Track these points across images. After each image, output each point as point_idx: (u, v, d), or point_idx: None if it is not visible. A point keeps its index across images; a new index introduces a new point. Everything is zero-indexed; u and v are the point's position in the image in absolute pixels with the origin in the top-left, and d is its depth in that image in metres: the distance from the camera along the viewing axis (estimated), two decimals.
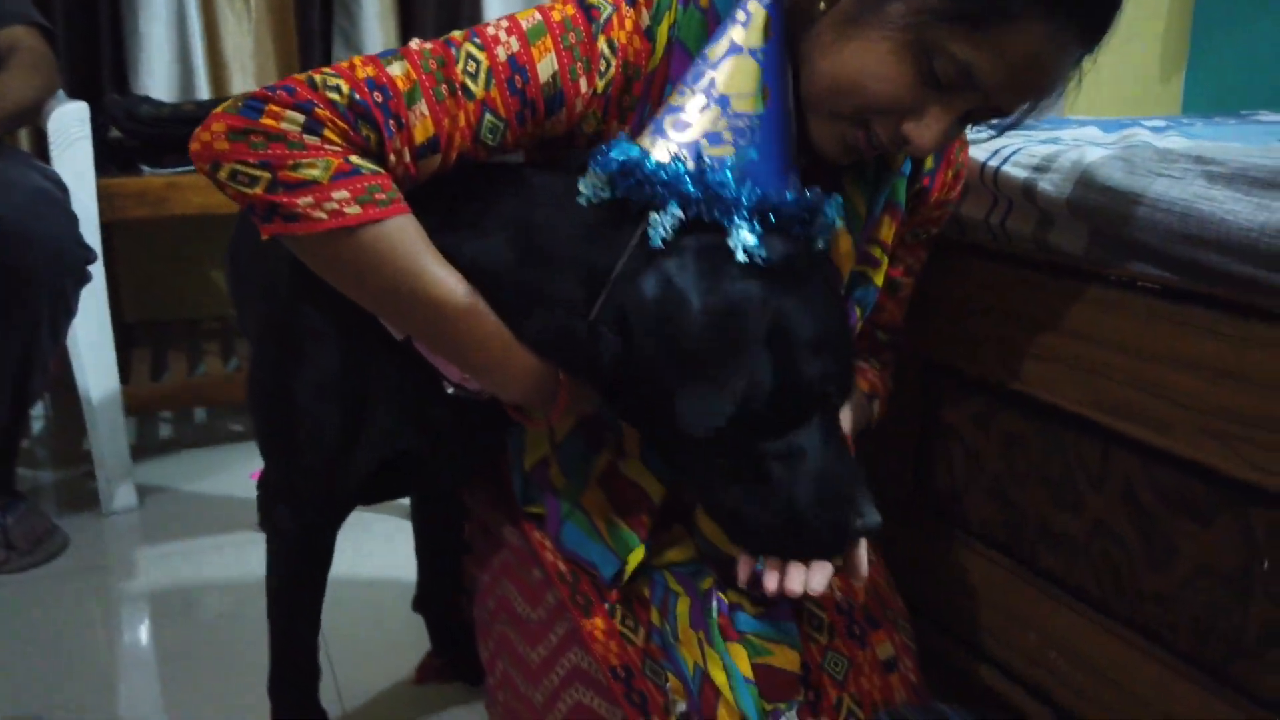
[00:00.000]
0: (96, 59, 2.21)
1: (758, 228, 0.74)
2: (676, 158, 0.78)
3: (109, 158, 1.97)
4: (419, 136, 0.77)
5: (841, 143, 0.83)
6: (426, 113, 0.77)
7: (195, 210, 1.88)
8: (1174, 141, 1.06)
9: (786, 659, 0.96)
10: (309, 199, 0.72)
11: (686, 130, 0.79)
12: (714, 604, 0.97)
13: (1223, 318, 0.80)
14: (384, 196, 0.75)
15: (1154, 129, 1.29)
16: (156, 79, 2.21)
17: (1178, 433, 0.84)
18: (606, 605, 0.95)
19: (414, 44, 0.80)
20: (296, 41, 2.36)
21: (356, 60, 0.77)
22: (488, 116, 0.79)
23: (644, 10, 0.84)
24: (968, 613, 1.10)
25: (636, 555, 0.94)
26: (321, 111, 0.73)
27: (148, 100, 2.02)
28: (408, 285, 0.77)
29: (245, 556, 1.65)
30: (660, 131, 0.80)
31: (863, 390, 1.02)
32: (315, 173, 0.72)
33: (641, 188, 0.76)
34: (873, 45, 0.77)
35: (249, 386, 0.99)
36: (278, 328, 0.92)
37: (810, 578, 0.82)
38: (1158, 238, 0.85)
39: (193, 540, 1.73)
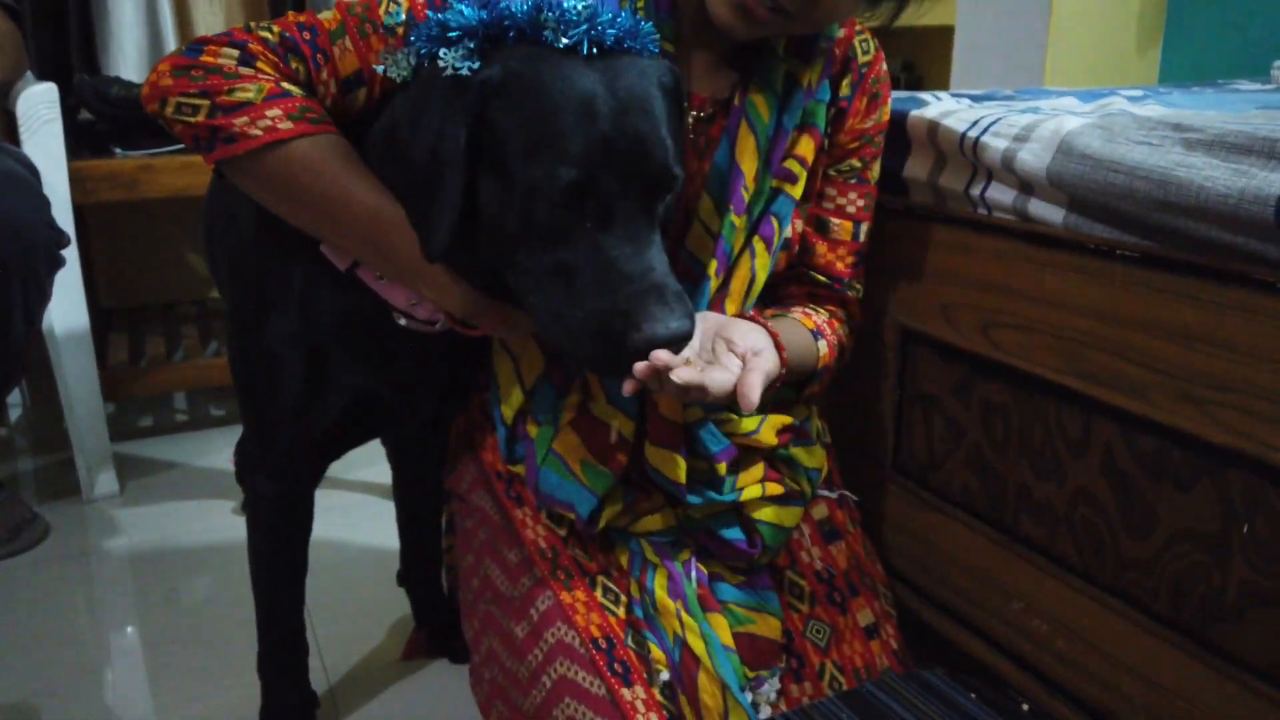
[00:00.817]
0: (65, 39, 2.17)
1: (470, 44, 0.76)
2: (427, 9, 0.84)
3: (80, 140, 1.95)
4: (344, 69, 0.84)
5: (732, 6, 0.86)
6: (350, 48, 0.84)
7: (169, 193, 1.86)
8: (1152, 110, 1.06)
9: (768, 627, 0.97)
10: (245, 119, 0.78)
11: None
12: (693, 574, 0.97)
13: (1201, 284, 0.80)
14: (316, 116, 0.81)
15: (1131, 98, 1.29)
16: (127, 59, 2.18)
17: (1157, 399, 0.85)
18: (587, 578, 0.95)
19: (343, 0, 0.87)
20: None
21: (291, 13, 0.87)
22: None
23: None
24: (950, 581, 1.11)
25: (612, 509, 0.94)
26: (255, 47, 0.81)
27: (118, 81, 1.99)
28: (339, 193, 0.81)
29: (228, 541, 1.64)
30: None
31: (804, 325, 1.00)
32: (249, 95, 0.79)
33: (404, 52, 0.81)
34: None
35: (228, 347, 1.02)
36: (245, 282, 0.98)
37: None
38: (1136, 205, 0.85)
39: (175, 526, 1.72)
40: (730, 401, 0.81)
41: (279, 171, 0.81)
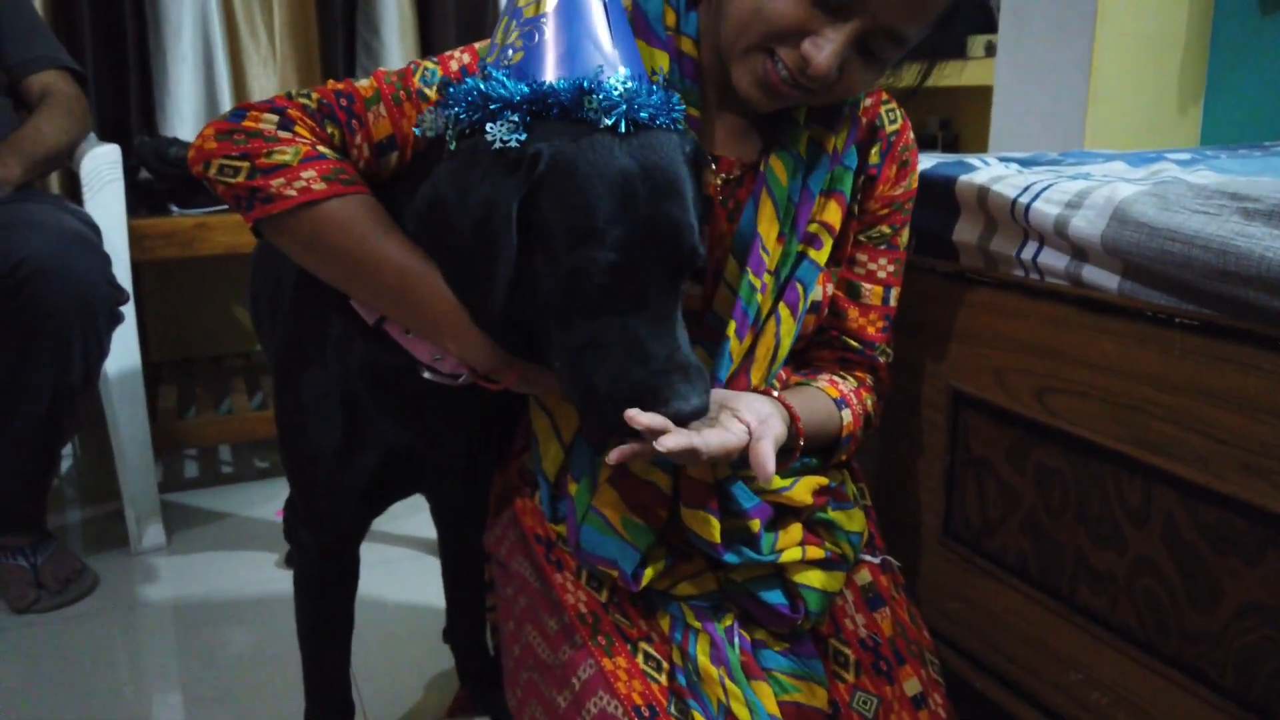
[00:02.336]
0: (125, 101, 2.25)
1: (514, 117, 0.78)
2: (462, 78, 0.87)
3: (139, 199, 2.01)
4: (377, 134, 0.89)
5: (756, 80, 0.88)
6: (384, 114, 0.89)
7: (222, 250, 1.91)
8: (1205, 176, 1.06)
9: (814, 696, 0.95)
10: (281, 179, 0.82)
11: (493, 52, 0.85)
12: (736, 640, 0.96)
13: (1263, 354, 0.80)
14: (348, 178, 0.85)
15: (1181, 163, 1.29)
16: (184, 121, 2.25)
17: (1219, 469, 0.84)
18: (629, 644, 0.95)
19: (382, 70, 0.91)
20: (321, 84, 2.39)
21: (330, 82, 0.91)
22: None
23: None
24: (1004, 649, 1.09)
25: (655, 567, 0.94)
26: (293, 112, 0.85)
27: (176, 142, 2.06)
28: (367, 250, 0.84)
29: (272, 594, 1.65)
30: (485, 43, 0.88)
31: (828, 394, 1.00)
32: (286, 157, 0.83)
33: (441, 114, 0.83)
34: None
35: (275, 403, 1.05)
36: (286, 337, 1.01)
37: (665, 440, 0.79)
38: (1194, 274, 0.85)
39: (220, 579, 1.73)
40: (741, 461, 0.83)
41: (311, 229, 0.85)
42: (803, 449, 0.95)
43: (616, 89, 0.78)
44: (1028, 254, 1.03)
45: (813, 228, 0.98)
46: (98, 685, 1.43)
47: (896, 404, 1.14)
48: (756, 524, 0.94)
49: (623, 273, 0.76)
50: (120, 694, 1.42)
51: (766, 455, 0.82)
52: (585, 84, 0.78)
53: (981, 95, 2.43)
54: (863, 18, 0.83)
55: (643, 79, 0.82)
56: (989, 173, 1.11)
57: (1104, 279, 0.95)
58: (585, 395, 0.78)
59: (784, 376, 1.04)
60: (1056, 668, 1.02)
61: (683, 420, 0.75)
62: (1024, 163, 1.24)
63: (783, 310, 0.97)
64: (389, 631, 1.54)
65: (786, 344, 0.98)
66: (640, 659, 0.94)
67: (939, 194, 1.12)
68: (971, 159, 1.24)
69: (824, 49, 0.84)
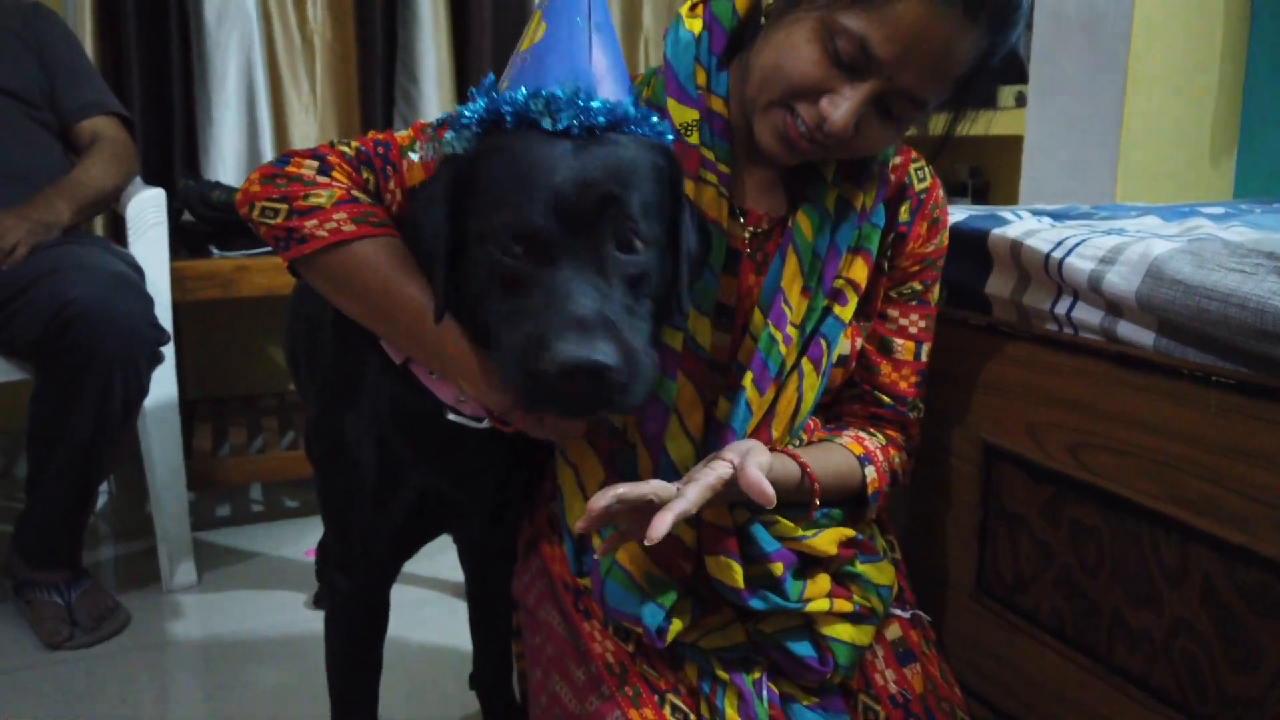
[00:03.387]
0: (170, 146, 2.31)
1: (467, 127, 0.83)
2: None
3: (181, 240, 2.05)
4: (411, 180, 0.93)
5: (776, 134, 0.90)
6: (417, 160, 0.91)
7: (261, 291, 1.94)
8: (1240, 233, 1.06)
9: None
10: (314, 221, 0.86)
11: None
12: (764, 694, 0.95)
13: None
14: (378, 221, 0.89)
15: (1214, 217, 1.29)
16: (226, 165, 2.30)
17: (1258, 530, 0.83)
18: (656, 696, 0.94)
19: (422, 122, 0.96)
20: (359, 130, 2.45)
21: (372, 133, 0.96)
22: None
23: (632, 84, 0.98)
24: (1038, 707, 1.07)
25: (680, 621, 0.94)
26: (333, 159, 0.91)
27: (219, 186, 2.11)
28: (392, 290, 0.87)
29: (301, 635, 1.66)
30: None
31: (851, 451, 1.01)
32: (321, 200, 0.87)
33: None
34: (790, 33, 0.87)
35: (312, 444, 1.08)
36: (325, 380, 1.04)
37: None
38: (1231, 332, 0.85)
39: (250, 618, 1.74)
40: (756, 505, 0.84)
41: (341, 269, 0.88)
42: (822, 504, 0.96)
43: (566, 94, 0.81)
44: (1061, 308, 1.04)
45: (838, 283, 0.99)
46: None
47: (928, 456, 1.13)
48: (779, 567, 0.94)
49: (528, 234, 0.78)
50: None
51: (755, 477, 0.81)
52: (537, 91, 0.81)
53: (1012, 144, 2.44)
54: (879, 79, 0.85)
55: (622, 94, 0.86)
56: (1021, 226, 1.12)
57: (1139, 335, 0.95)
58: (499, 362, 0.79)
59: (811, 428, 1.05)
60: None
61: (569, 370, 0.72)
62: (1056, 216, 1.24)
63: (806, 365, 0.97)
64: (415, 674, 1.54)
65: (810, 399, 0.99)
66: (668, 711, 0.94)
67: (971, 247, 1.13)
68: (1003, 212, 1.25)
69: (840, 107, 0.86)
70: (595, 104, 0.81)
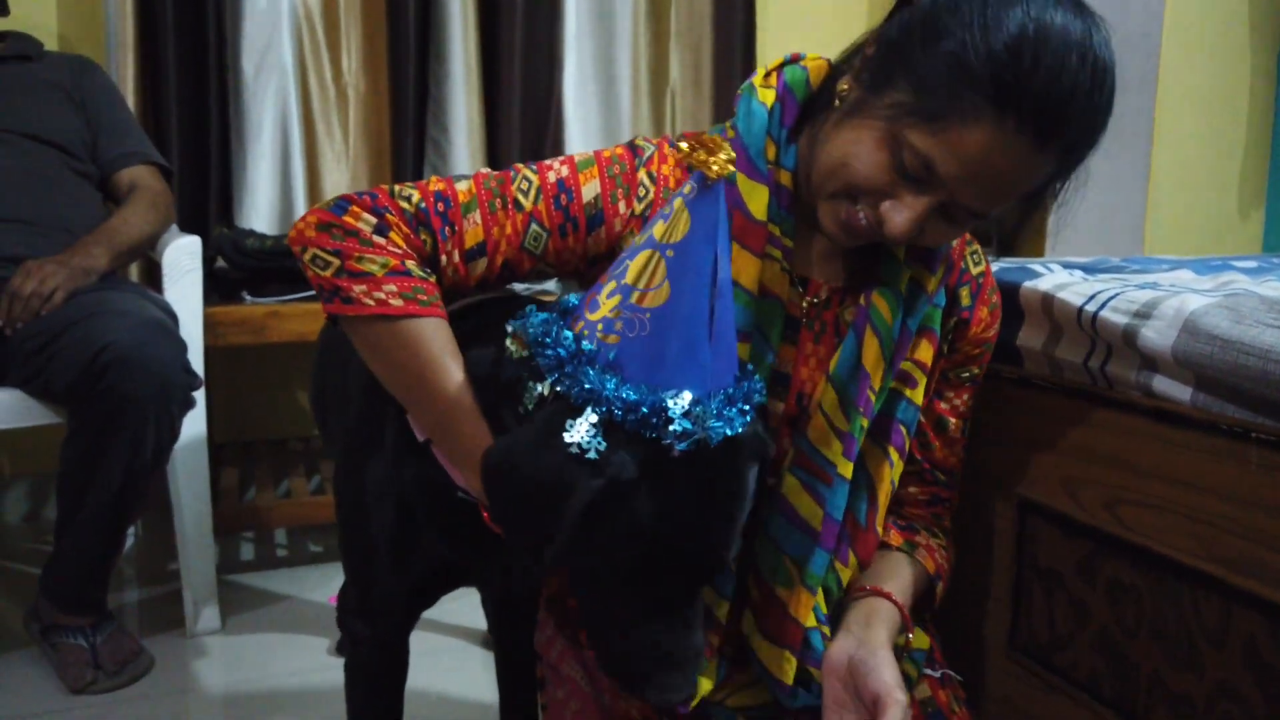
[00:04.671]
0: (206, 193, 2.35)
1: (593, 420, 0.74)
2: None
3: (214, 286, 2.08)
4: (469, 241, 0.89)
5: (838, 221, 0.88)
6: (479, 221, 0.89)
7: (293, 338, 1.96)
8: (1275, 288, 1.05)
9: None
10: (363, 287, 0.84)
11: (597, 310, 0.78)
12: None
13: None
14: (426, 299, 0.86)
15: (1248, 271, 1.28)
16: (260, 213, 2.34)
17: None
18: None
19: (483, 170, 0.93)
20: (389, 180, 2.49)
21: (434, 178, 0.92)
22: (533, 226, 0.91)
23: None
24: None
25: (706, 684, 0.92)
26: (392, 217, 0.87)
27: (252, 234, 2.14)
28: (430, 376, 0.85)
29: (323, 682, 1.65)
30: (597, 291, 0.80)
31: (927, 570, 1.02)
32: (374, 268, 0.85)
33: (536, 358, 0.78)
34: (860, 133, 0.84)
35: (336, 493, 1.06)
36: (352, 428, 1.03)
37: None
38: (1270, 388, 0.84)
39: (272, 664, 1.73)
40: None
41: (381, 341, 0.86)
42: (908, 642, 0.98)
43: (681, 410, 0.73)
44: (1095, 362, 1.03)
45: (906, 365, 0.97)
46: None
47: (961, 511, 1.12)
48: (819, 673, 0.93)
49: (643, 575, 0.77)
50: None
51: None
52: (659, 405, 0.74)
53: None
54: (943, 192, 0.82)
55: (723, 387, 0.76)
56: (1052, 280, 1.12)
57: (1176, 390, 0.94)
58: (599, 641, 0.83)
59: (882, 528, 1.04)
60: None
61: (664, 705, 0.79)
62: (1087, 269, 1.24)
63: (893, 454, 0.97)
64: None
65: (896, 486, 1.00)
66: None
67: (1002, 299, 1.13)
68: (1034, 264, 1.24)
69: (902, 214, 0.83)
70: (709, 419, 0.74)
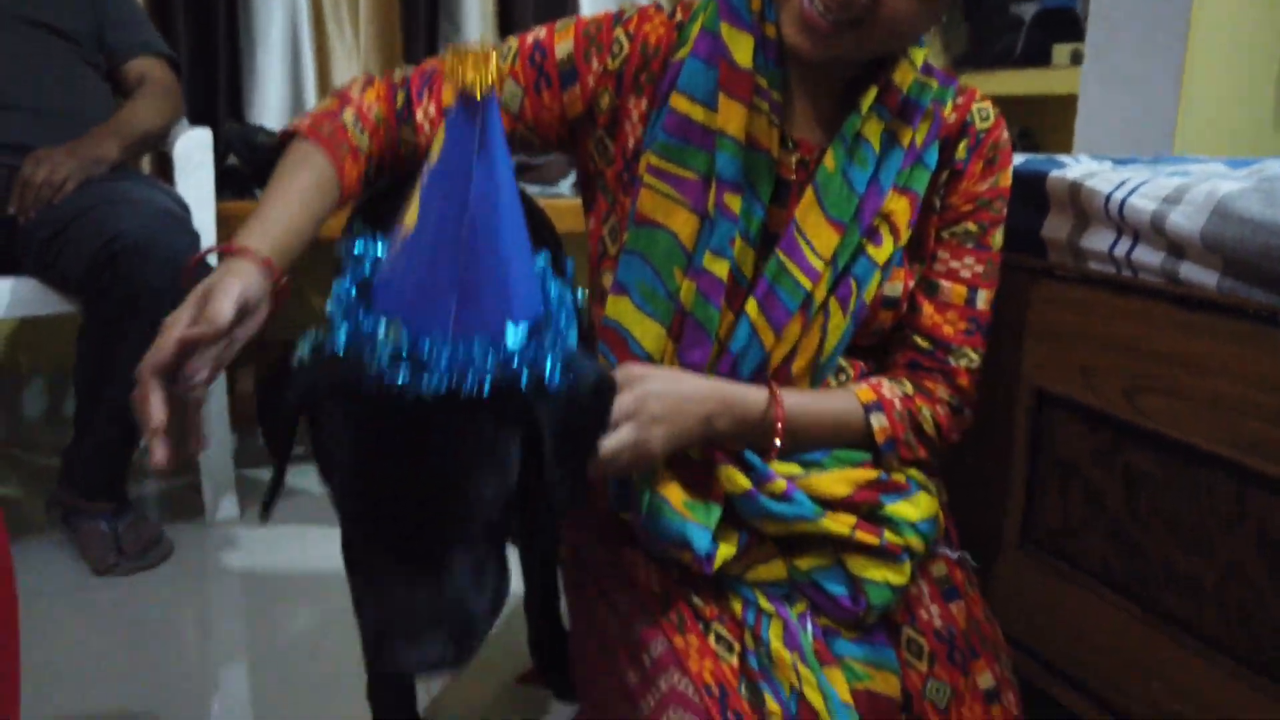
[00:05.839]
0: (215, 88, 2.32)
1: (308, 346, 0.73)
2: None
3: (224, 183, 2.06)
4: (447, 99, 0.95)
5: (796, 22, 0.89)
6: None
7: None
8: None
9: (887, 684, 0.95)
10: (309, 121, 0.94)
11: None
12: (809, 628, 0.96)
13: None
14: (328, 133, 0.92)
15: None
16: (269, 109, 2.31)
17: None
18: (700, 623, 0.95)
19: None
20: None
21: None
22: (509, 85, 0.98)
23: (679, 12, 1.00)
24: (1080, 655, 1.06)
25: (727, 547, 0.95)
26: (378, 80, 0.99)
27: (262, 130, 2.12)
28: (272, 184, 0.90)
29: (336, 569, 1.68)
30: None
31: (859, 398, 0.99)
32: (322, 104, 0.97)
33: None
34: None
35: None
36: None
37: None
38: None
39: (290, 551, 1.77)
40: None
41: (285, 157, 0.92)
42: (815, 449, 0.98)
43: (390, 348, 0.67)
44: (1121, 250, 1.01)
45: (876, 221, 0.97)
46: (168, 646, 1.47)
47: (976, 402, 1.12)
48: (782, 484, 0.94)
49: (360, 523, 0.73)
50: (187, 656, 1.46)
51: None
52: (361, 335, 0.69)
53: (1064, 105, 2.39)
54: None
55: (471, 331, 0.68)
56: (1081, 169, 1.09)
57: (1202, 276, 0.93)
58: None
59: (855, 373, 1.03)
60: (1137, 675, 0.99)
61: (410, 670, 0.71)
62: (1118, 161, 1.21)
63: (833, 304, 0.96)
64: None
65: (834, 339, 0.98)
66: (712, 639, 0.94)
67: (1028, 190, 1.10)
68: (1062, 157, 1.22)
69: None
70: (433, 360, 0.67)
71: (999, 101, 1.04)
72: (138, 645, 1.46)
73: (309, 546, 1.79)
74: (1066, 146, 2.31)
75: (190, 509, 1.91)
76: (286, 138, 0.94)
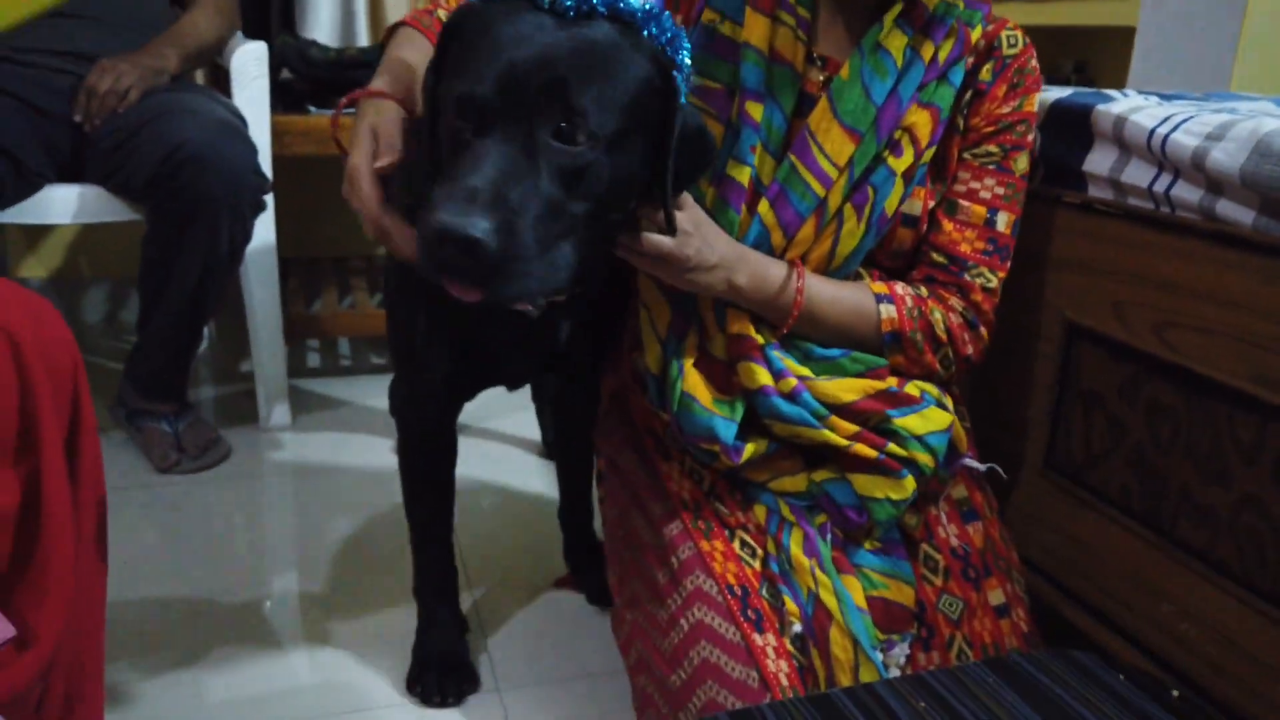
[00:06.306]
0: (267, 3, 2.34)
1: None
2: None
3: (278, 97, 2.10)
4: None
5: None
6: None
7: None
8: None
9: (901, 594, 1.00)
10: (410, 15, 0.99)
11: None
12: (828, 538, 1.01)
13: None
14: (426, 24, 0.96)
15: None
16: (321, 25, 2.33)
17: None
18: (726, 530, 1.00)
19: None
20: None
21: None
22: None
23: None
24: (1096, 579, 1.10)
25: (756, 445, 1.00)
26: None
27: (315, 44, 2.14)
28: (391, 47, 0.97)
29: (387, 472, 1.76)
30: None
31: (870, 287, 1.03)
32: (423, 7, 1.00)
33: None
34: None
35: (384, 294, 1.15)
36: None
37: None
38: None
39: (340, 456, 1.85)
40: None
41: (391, 41, 0.97)
42: (829, 336, 1.01)
43: None
44: (1160, 186, 1.02)
45: (897, 134, 1.00)
46: (225, 541, 1.56)
47: (1004, 334, 1.14)
48: (792, 382, 0.98)
49: (470, 105, 0.77)
50: (242, 550, 1.55)
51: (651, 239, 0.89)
52: None
53: (1121, 36, 2.34)
54: None
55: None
56: (1127, 103, 1.09)
57: (1239, 214, 0.94)
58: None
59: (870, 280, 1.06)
60: (1149, 599, 1.03)
61: (439, 237, 0.73)
62: (1165, 96, 1.21)
63: (848, 211, 1.00)
64: (493, 515, 1.64)
65: (848, 245, 1.01)
66: (736, 544, 0.99)
67: (1073, 123, 1.11)
68: (1110, 91, 1.22)
69: None
70: None
71: (1055, 32, 1.06)
72: (196, 541, 1.55)
73: (358, 452, 1.87)
74: (1122, 81, 2.27)
75: (245, 416, 1.99)
76: (389, 33, 0.99)
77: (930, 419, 1.02)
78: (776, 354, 0.99)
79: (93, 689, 0.83)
